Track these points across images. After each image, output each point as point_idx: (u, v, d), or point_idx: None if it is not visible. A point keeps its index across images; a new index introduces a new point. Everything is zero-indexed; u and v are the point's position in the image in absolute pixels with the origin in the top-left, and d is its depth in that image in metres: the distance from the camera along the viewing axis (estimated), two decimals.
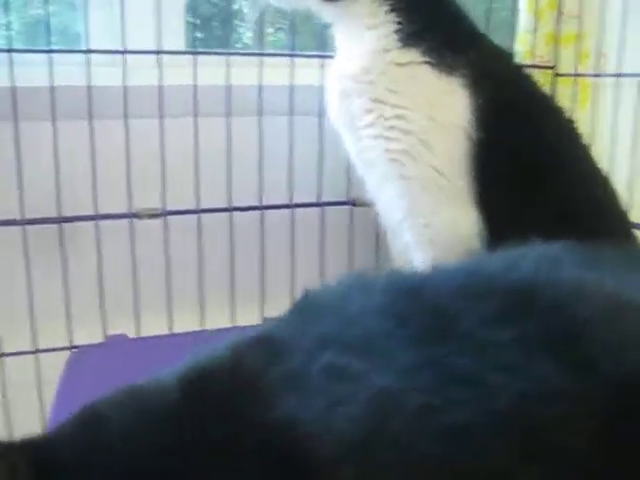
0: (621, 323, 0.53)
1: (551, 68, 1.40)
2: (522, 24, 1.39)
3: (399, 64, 0.93)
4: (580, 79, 1.37)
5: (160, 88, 1.11)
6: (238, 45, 1.48)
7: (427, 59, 0.92)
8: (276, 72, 1.19)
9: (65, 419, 0.47)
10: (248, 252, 1.23)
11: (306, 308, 0.57)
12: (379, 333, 0.51)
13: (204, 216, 1.19)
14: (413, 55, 0.93)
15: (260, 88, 1.17)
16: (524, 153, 0.93)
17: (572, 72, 1.37)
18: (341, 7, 0.97)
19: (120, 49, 1.08)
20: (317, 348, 0.49)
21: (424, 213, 0.95)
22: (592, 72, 1.34)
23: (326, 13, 1.01)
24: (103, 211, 1.12)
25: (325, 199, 1.27)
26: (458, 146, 0.91)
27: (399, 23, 0.94)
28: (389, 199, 0.99)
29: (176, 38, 1.23)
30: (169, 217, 1.16)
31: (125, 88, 1.09)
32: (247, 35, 1.48)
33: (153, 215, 1.14)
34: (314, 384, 0.45)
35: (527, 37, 1.38)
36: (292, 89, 1.20)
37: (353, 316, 0.53)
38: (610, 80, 1.31)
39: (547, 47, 1.39)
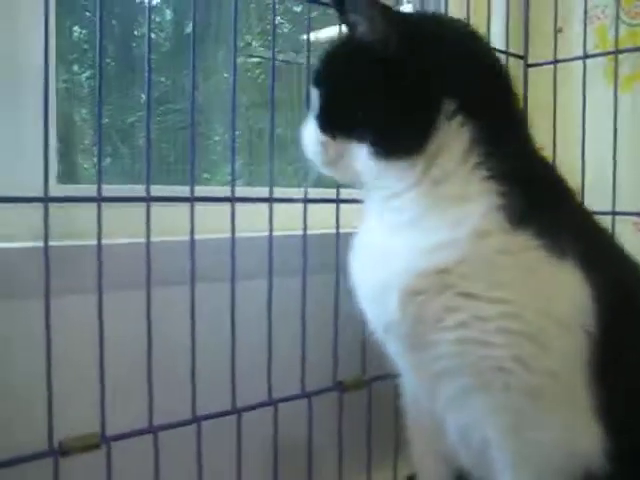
0: None
1: None
2: None
3: (507, 252, 0.68)
4: None
5: None
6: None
7: (540, 242, 0.68)
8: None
9: None
10: (221, 463, 0.87)
11: None
12: None
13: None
14: (525, 239, 0.68)
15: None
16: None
17: None
18: (406, 167, 0.71)
19: None
20: None
21: (532, 428, 0.69)
22: None
23: (379, 177, 0.73)
24: None
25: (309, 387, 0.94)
26: (577, 345, 0.68)
27: (503, 195, 0.69)
28: (473, 414, 0.72)
29: None
30: None
31: None
32: None
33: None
34: None
35: None
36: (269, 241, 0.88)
37: None
38: None
39: None
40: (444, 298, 0.69)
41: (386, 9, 0.72)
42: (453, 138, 0.70)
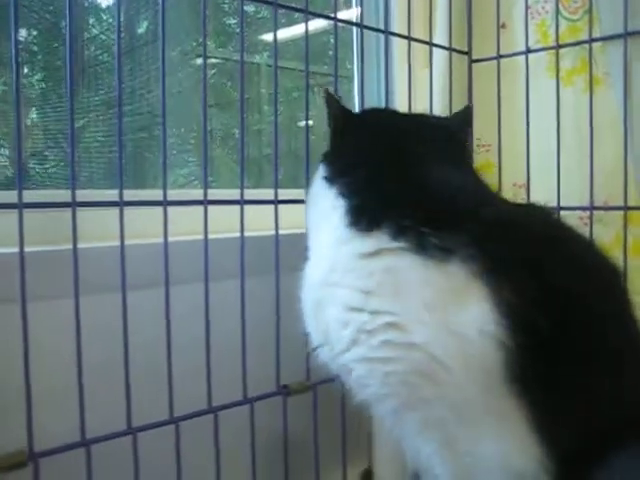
0: None
1: None
2: None
3: (365, 255, 0.71)
4: None
5: None
6: None
7: (402, 244, 0.68)
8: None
9: None
10: (160, 473, 0.84)
11: None
12: None
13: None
14: (380, 241, 0.70)
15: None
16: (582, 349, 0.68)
17: None
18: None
19: None
20: None
21: (464, 441, 0.67)
22: None
23: None
24: None
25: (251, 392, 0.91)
26: (485, 357, 0.64)
27: (350, 205, 0.76)
28: (411, 433, 0.71)
29: None
30: None
31: None
32: None
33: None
34: None
35: None
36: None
37: None
38: None
39: None
40: (335, 310, 0.71)
41: (338, 108, 0.88)
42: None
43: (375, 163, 0.80)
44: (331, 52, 1.24)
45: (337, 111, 0.88)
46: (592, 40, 1.07)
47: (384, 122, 0.89)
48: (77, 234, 0.73)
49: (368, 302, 0.68)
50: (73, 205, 0.74)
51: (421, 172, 0.77)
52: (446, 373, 0.65)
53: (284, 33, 1.45)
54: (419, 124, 0.90)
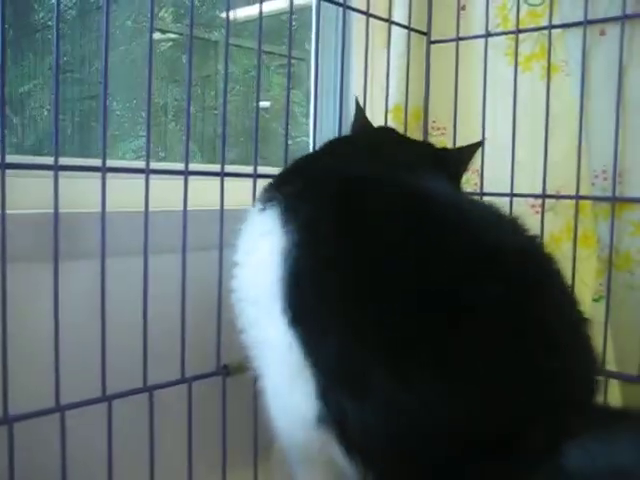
0: None
1: None
2: None
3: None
4: None
5: None
6: None
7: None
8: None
9: None
10: (92, 451, 0.80)
11: None
12: None
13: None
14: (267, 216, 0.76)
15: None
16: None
17: None
18: None
19: None
20: None
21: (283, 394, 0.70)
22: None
23: None
24: None
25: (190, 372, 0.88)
26: (271, 288, 0.67)
27: None
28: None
29: None
30: None
31: None
32: None
33: None
34: None
35: None
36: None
37: None
38: None
39: None
40: None
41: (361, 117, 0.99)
42: None
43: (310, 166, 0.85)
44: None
45: (356, 122, 0.99)
46: (552, 27, 1.06)
47: (365, 140, 0.94)
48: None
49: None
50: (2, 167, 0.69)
51: (326, 167, 0.80)
52: (258, 311, 0.71)
53: (243, 12, 1.41)
54: (400, 150, 0.91)
